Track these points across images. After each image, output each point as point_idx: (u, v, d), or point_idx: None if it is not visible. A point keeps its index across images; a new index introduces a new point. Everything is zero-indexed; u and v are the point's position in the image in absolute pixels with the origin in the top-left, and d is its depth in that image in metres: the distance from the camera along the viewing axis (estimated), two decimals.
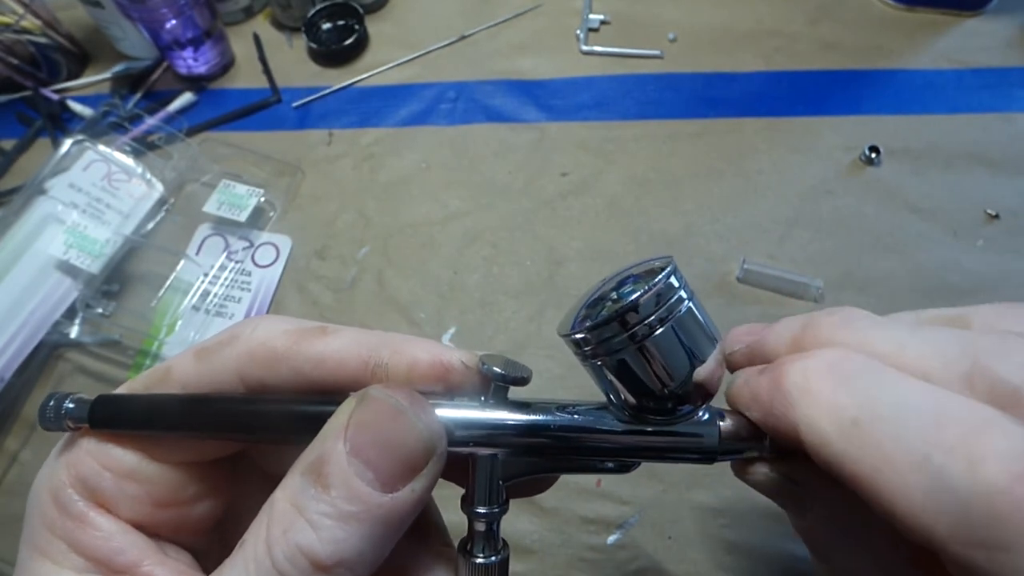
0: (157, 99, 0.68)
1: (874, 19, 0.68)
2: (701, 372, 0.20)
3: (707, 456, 0.21)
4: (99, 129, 0.63)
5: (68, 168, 0.57)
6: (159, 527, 0.22)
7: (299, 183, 0.62)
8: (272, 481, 0.26)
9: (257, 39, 0.72)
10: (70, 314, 0.54)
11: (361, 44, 0.71)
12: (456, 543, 0.22)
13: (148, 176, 0.60)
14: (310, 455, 0.18)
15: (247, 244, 0.59)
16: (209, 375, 0.22)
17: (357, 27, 0.69)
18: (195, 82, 0.69)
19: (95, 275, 0.54)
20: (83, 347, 0.54)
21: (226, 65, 0.70)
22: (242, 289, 0.57)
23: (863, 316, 0.19)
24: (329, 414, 0.19)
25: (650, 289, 0.19)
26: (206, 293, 0.56)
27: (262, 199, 0.59)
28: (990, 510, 0.13)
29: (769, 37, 0.68)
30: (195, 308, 0.55)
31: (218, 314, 0.56)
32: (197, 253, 0.59)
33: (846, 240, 0.55)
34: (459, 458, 0.21)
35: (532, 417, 0.21)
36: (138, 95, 0.69)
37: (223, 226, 0.60)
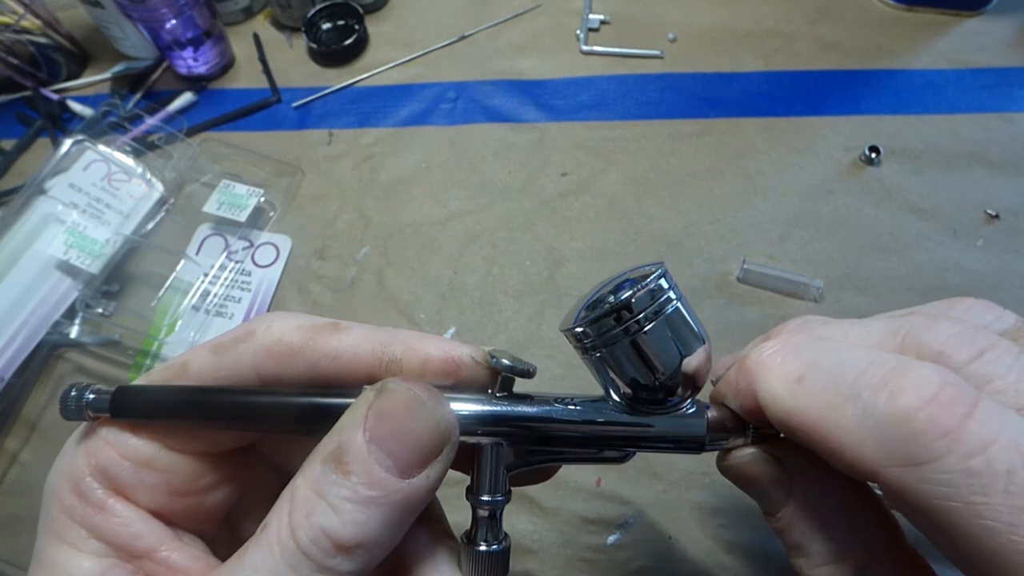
0: (157, 99, 0.68)
1: (874, 19, 0.68)
2: (689, 364, 0.21)
3: (696, 444, 0.23)
4: (99, 129, 0.63)
5: (68, 168, 0.57)
6: (174, 515, 0.23)
7: (299, 183, 0.62)
8: (279, 472, 0.26)
9: (257, 39, 0.72)
10: (70, 314, 0.54)
11: (361, 44, 0.71)
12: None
13: (148, 176, 0.60)
14: (330, 444, 0.19)
15: (247, 244, 0.59)
16: (226, 370, 0.23)
17: (357, 27, 0.69)
18: (195, 82, 0.69)
19: (95, 275, 0.54)
20: (83, 347, 0.54)
21: (226, 65, 0.70)
22: (242, 289, 0.57)
23: (817, 318, 0.22)
24: (337, 406, 0.21)
25: (642, 288, 0.21)
26: (206, 293, 0.56)
27: (262, 199, 0.59)
28: (909, 429, 0.15)
29: (769, 37, 0.68)
30: (195, 308, 0.55)
31: (218, 314, 0.56)
32: (197, 253, 0.59)
33: (846, 240, 0.55)
34: (463, 448, 0.22)
35: (536, 408, 0.22)
36: (138, 95, 0.69)
37: (223, 226, 0.60)
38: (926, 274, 0.53)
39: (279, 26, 0.74)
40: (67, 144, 0.58)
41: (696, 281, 0.54)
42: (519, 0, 0.72)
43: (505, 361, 0.22)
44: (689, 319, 0.22)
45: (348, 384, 0.22)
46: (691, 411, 0.23)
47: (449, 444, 0.20)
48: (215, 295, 0.56)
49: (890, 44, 0.67)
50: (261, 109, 0.67)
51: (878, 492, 0.19)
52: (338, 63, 0.70)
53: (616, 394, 0.23)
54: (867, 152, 0.59)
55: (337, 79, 0.69)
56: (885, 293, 0.53)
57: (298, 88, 0.68)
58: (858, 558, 0.19)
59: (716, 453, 0.24)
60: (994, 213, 0.56)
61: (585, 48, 0.68)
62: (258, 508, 0.25)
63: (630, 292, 0.21)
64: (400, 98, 0.67)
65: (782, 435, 0.21)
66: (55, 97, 0.68)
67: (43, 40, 0.67)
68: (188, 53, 0.66)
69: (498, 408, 0.22)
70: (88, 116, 0.66)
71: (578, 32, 0.70)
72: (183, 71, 0.69)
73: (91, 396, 0.22)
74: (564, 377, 0.51)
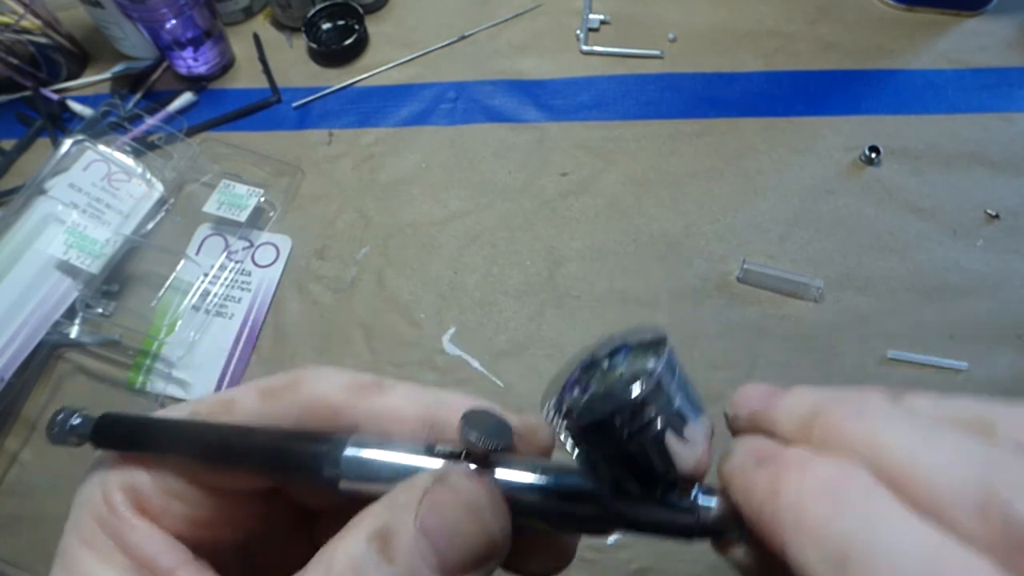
0: (157, 99, 0.68)
1: (874, 19, 0.68)
2: (686, 466, 0.19)
3: (684, 534, 0.20)
4: (99, 129, 0.63)
5: (68, 168, 0.57)
6: (193, 541, 0.23)
7: (299, 183, 0.62)
8: (300, 509, 0.26)
9: (257, 39, 0.72)
10: (70, 314, 0.54)
11: (361, 44, 0.71)
12: None
13: (148, 176, 0.60)
14: (377, 520, 0.19)
15: (247, 244, 0.59)
16: (271, 417, 0.22)
17: (357, 27, 0.69)
18: (195, 82, 0.69)
19: (95, 275, 0.54)
20: (83, 347, 0.54)
21: (226, 65, 0.70)
22: (242, 289, 0.57)
23: (879, 405, 0.18)
24: (317, 454, 0.20)
25: (638, 399, 0.18)
26: (206, 293, 0.56)
27: (262, 199, 0.59)
28: None
29: (769, 37, 0.68)
30: (195, 308, 0.55)
31: (218, 314, 0.56)
32: (197, 253, 0.59)
33: (846, 240, 0.55)
34: None
35: (525, 485, 0.20)
36: (138, 95, 0.69)
37: (223, 226, 0.60)
38: (926, 274, 0.53)
39: (279, 26, 0.74)
40: (67, 144, 0.58)
41: (696, 281, 0.54)
42: (519, 0, 0.72)
43: (473, 438, 0.20)
44: (693, 407, 0.19)
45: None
46: (684, 503, 0.20)
47: (498, 556, 0.19)
48: (215, 295, 0.56)
49: (890, 44, 0.67)
50: (261, 109, 0.67)
51: None
52: (338, 63, 0.70)
53: (600, 482, 0.20)
54: (867, 152, 0.59)
55: (337, 79, 0.69)
56: (885, 293, 0.53)
57: (298, 88, 0.68)
58: None
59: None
60: (994, 213, 0.56)
61: (585, 48, 0.68)
62: (275, 540, 0.25)
63: (632, 394, 0.18)
64: (400, 98, 0.67)
65: None
66: (55, 97, 0.68)
67: (43, 40, 0.67)
68: (188, 53, 0.66)
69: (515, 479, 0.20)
70: (88, 116, 0.66)
71: (578, 32, 0.70)
72: (183, 71, 0.69)
73: (76, 421, 0.22)
74: None
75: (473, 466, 0.20)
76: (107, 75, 0.70)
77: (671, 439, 0.19)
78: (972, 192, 0.57)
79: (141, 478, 0.22)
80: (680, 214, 0.58)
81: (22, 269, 0.53)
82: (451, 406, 0.22)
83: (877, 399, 0.18)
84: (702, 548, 0.45)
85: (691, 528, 0.20)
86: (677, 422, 0.19)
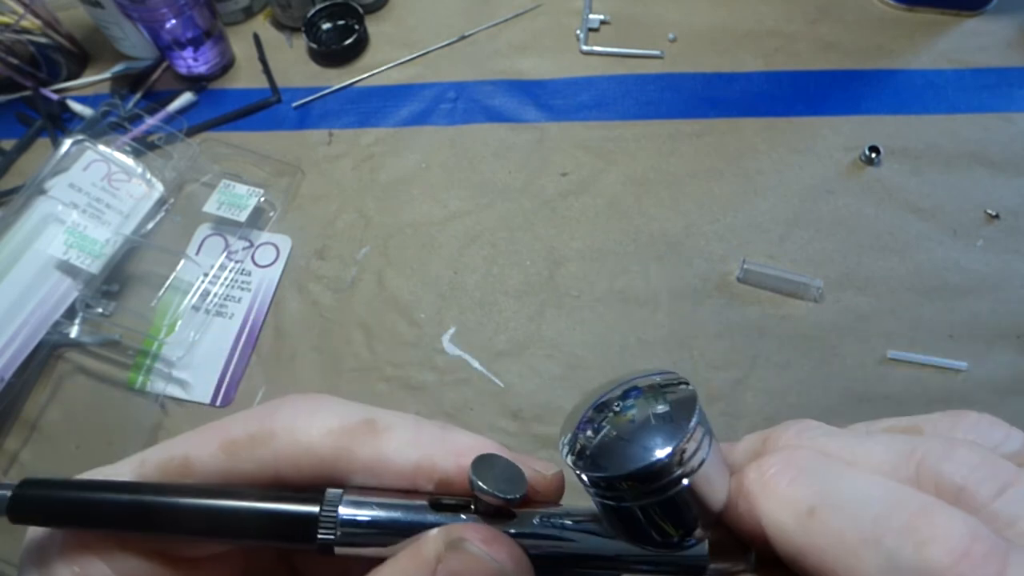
0: (157, 99, 0.68)
1: (874, 19, 0.68)
2: (708, 518, 0.18)
3: (696, 571, 0.20)
4: (99, 129, 0.63)
5: (68, 168, 0.57)
6: None
7: (299, 183, 0.62)
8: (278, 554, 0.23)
9: (257, 39, 0.72)
10: (70, 314, 0.54)
11: (361, 44, 0.71)
12: None
13: (148, 176, 0.60)
14: None
15: (247, 244, 0.59)
16: (239, 477, 0.19)
17: (357, 27, 0.69)
18: (195, 82, 0.69)
19: (95, 275, 0.54)
20: (83, 347, 0.54)
21: (226, 65, 0.70)
22: (242, 289, 0.57)
23: (817, 426, 0.20)
24: (307, 515, 0.18)
25: (670, 454, 0.17)
26: (206, 293, 0.56)
27: (262, 199, 0.59)
28: None
29: (769, 37, 0.68)
30: (195, 308, 0.55)
31: (218, 314, 0.56)
32: (197, 253, 0.59)
33: (846, 240, 0.55)
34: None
35: (525, 528, 0.19)
36: (138, 95, 0.69)
37: (223, 226, 0.60)
38: (926, 274, 0.53)
39: (279, 26, 0.74)
40: (67, 144, 0.58)
41: (696, 281, 0.54)
42: (519, 0, 0.72)
43: (487, 487, 0.18)
44: (721, 462, 0.18)
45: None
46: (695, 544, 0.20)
47: None
48: (215, 295, 0.56)
49: (890, 44, 0.66)
50: (261, 109, 0.67)
51: None
52: (338, 63, 0.70)
53: (611, 523, 0.20)
54: (867, 152, 0.59)
55: (337, 79, 0.69)
56: (885, 293, 0.53)
57: (298, 88, 0.68)
58: None
59: None
60: (994, 213, 0.56)
61: (585, 48, 0.68)
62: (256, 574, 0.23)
63: (663, 453, 0.17)
64: (400, 98, 0.67)
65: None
66: (55, 97, 0.68)
67: (43, 40, 0.67)
68: (188, 53, 0.66)
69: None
70: (88, 116, 0.66)
71: (578, 32, 0.70)
72: (183, 71, 0.69)
73: None
74: (564, 377, 0.51)
75: (484, 524, 0.19)
76: (107, 75, 0.70)
77: (697, 491, 0.18)
78: (972, 192, 0.57)
79: (97, 570, 0.18)
80: (680, 214, 0.58)
81: (22, 269, 0.53)
82: (454, 449, 0.19)
83: (814, 423, 0.20)
84: None
85: (701, 562, 0.19)
86: (702, 480, 0.18)
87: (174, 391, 0.53)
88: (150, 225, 0.59)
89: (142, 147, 0.62)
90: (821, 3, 0.70)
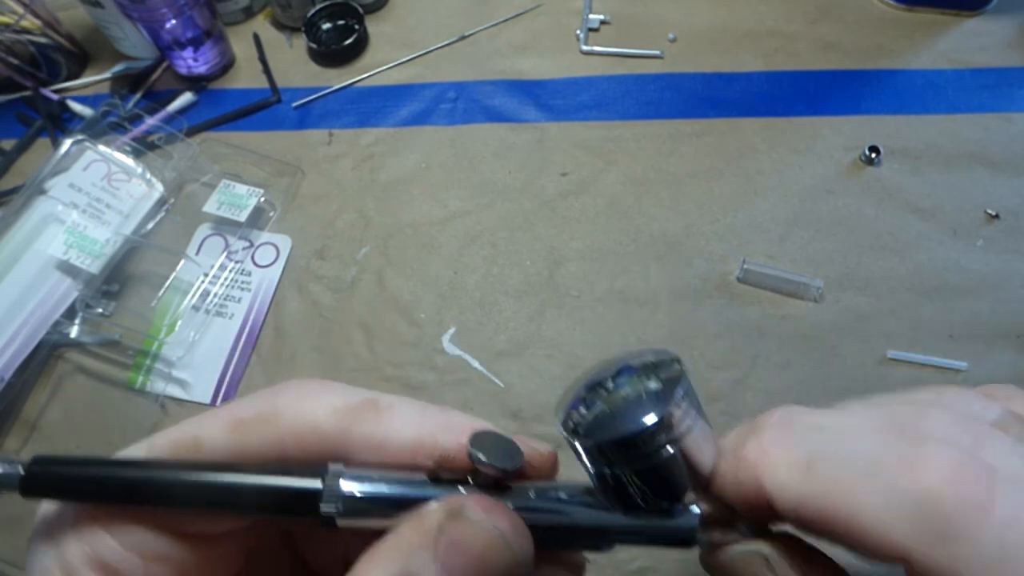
0: (157, 99, 0.68)
1: (874, 19, 0.68)
2: (700, 481, 0.19)
3: (685, 541, 0.21)
4: (99, 129, 0.63)
5: (68, 168, 0.57)
6: None
7: (299, 183, 0.62)
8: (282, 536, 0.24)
9: (257, 39, 0.72)
10: (70, 314, 0.54)
11: (361, 44, 0.71)
12: None
13: (148, 176, 0.60)
14: (393, 563, 0.17)
15: (247, 244, 0.59)
16: (249, 453, 0.20)
17: (357, 27, 0.69)
18: (195, 82, 0.69)
19: (95, 275, 0.54)
20: (83, 347, 0.54)
21: (226, 65, 0.70)
22: (242, 289, 0.57)
23: (800, 408, 0.21)
24: (307, 491, 0.18)
25: (665, 415, 0.18)
26: (206, 293, 0.56)
27: (262, 199, 0.59)
28: (939, 507, 0.15)
29: (769, 37, 0.68)
30: (195, 308, 0.55)
31: (218, 314, 0.56)
32: (197, 253, 0.59)
33: (846, 240, 0.55)
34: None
35: (520, 502, 0.20)
36: (138, 95, 0.69)
37: (223, 226, 0.60)
38: (926, 274, 0.53)
39: (279, 26, 0.74)
40: (67, 144, 0.58)
41: (696, 281, 0.54)
42: (519, 0, 0.72)
43: (484, 457, 0.19)
44: (707, 428, 0.19)
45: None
46: (685, 514, 0.21)
47: None
48: (215, 295, 0.56)
49: (890, 44, 0.66)
50: (261, 109, 0.67)
51: None
52: (338, 63, 0.70)
53: (604, 492, 0.20)
54: (867, 152, 0.59)
55: (337, 79, 0.69)
56: (885, 293, 0.53)
57: (298, 88, 0.68)
58: None
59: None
60: (994, 213, 0.56)
61: (585, 48, 0.68)
62: (261, 560, 0.23)
63: (651, 419, 0.18)
64: (400, 98, 0.67)
65: (774, 531, 0.20)
66: (55, 97, 0.68)
67: (43, 40, 0.67)
68: (188, 53, 0.66)
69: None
70: (88, 116, 0.66)
71: (578, 32, 0.70)
72: (183, 71, 0.69)
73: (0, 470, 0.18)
74: (564, 377, 0.51)
75: (484, 493, 0.19)
76: (107, 75, 0.70)
77: (685, 458, 0.19)
78: (972, 192, 0.57)
79: (106, 545, 0.19)
80: (680, 214, 0.58)
81: (22, 269, 0.53)
82: (454, 428, 0.20)
83: (798, 406, 0.21)
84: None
85: (690, 534, 0.20)
86: (691, 442, 0.19)
87: (174, 391, 0.53)
88: (150, 225, 0.59)
89: (142, 147, 0.62)
90: (821, 3, 0.70)
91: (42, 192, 0.56)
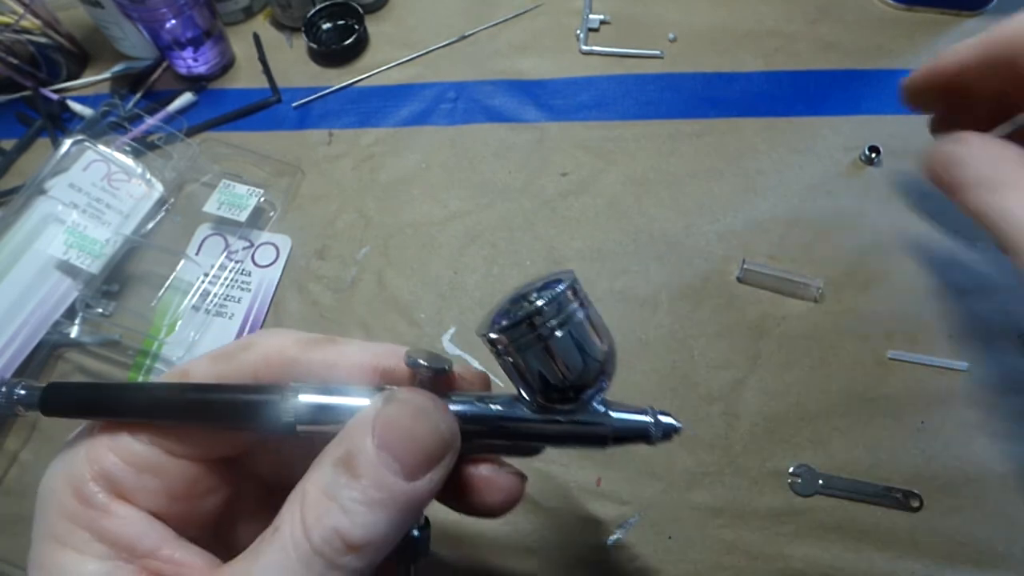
0: (157, 99, 0.68)
1: (874, 19, 0.68)
2: (596, 365, 0.23)
3: (601, 441, 0.25)
4: (99, 129, 0.63)
5: (68, 168, 0.57)
6: (170, 519, 0.23)
7: (299, 183, 0.62)
8: (263, 484, 0.27)
9: (257, 39, 0.72)
10: (70, 314, 0.54)
11: (361, 44, 0.71)
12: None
13: (148, 176, 0.60)
14: (339, 449, 0.21)
15: (247, 244, 0.59)
16: (227, 377, 0.24)
17: (357, 27, 0.69)
18: (195, 82, 0.69)
19: (95, 275, 0.54)
20: (83, 347, 0.54)
21: (226, 65, 0.70)
22: (242, 289, 0.57)
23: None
24: (262, 402, 0.22)
25: (552, 298, 0.22)
26: (206, 293, 0.56)
27: (262, 199, 0.59)
28: None
29: (769, 37, 0.68)
30: (195, 308, 0.55)
31: (218, 314, 0.56)
32: (197, 253, 0.59)
33: (846, 240, 0.55)
34: None
35: (459, 407, 0.24)
36: (138, 95, 0.69)
37: (223, 226, 0.60)
38: (926, 274, 0.53)
39: (279, 26, 0.74)
40: (67, 144, 0.58)
41: (696, 281, 0.54)
42: (519, 0, 0.73)
43: (422, 361, 0.23)
44: (596, 324, 0.24)
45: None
46: (598, 411, 0.25)
47: (452, 450, 0.22)
48: (215, 295, 0.56)
49: (890, 44, 0.67)
50: (261, 109, 0.67)
51: None
52: (338, 63, 0.70)
53: (528, 394, 0.24)
54: (867, 152, 0.59)
55: (337, 79, 0.69)
56: (885, 293, 0.53)
57: (298, 88, 0.68)
58: None
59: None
60: None
61: (585, 48, 0.68)
62: (244, 516, 0.27)
63: (540, 302, 0.22)
64: (400, 98, 0.67)
65: None
66: (55, 97, 0.68)
67: (43, 40, 0.67)
68: (188, 53, 0.66)
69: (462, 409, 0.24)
70: (88, 116, 0.66)
71: (578, 32, 0.70)
72: (183, 71, 0.69)
73: (21, 391, 0.22)
74: None
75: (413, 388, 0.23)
76: (107, 75, 0.70)
77: (578, 341, 0.23)
78: None
79: (110, 460, 0.22)
80: (680, 214, 0.58)
81: (22, 269, 0.53)
82: (396, 353, 0.24)
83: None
84: (702, 548, 0.44)
85: (605, 437, 0.24)
86: (587, 325, 0.23)
87: None
88: (150, 225, 0.59)
89: (142, 147, 0.62)
90: (821, 3, 0.70)
91: (42, 192, 0.56)
